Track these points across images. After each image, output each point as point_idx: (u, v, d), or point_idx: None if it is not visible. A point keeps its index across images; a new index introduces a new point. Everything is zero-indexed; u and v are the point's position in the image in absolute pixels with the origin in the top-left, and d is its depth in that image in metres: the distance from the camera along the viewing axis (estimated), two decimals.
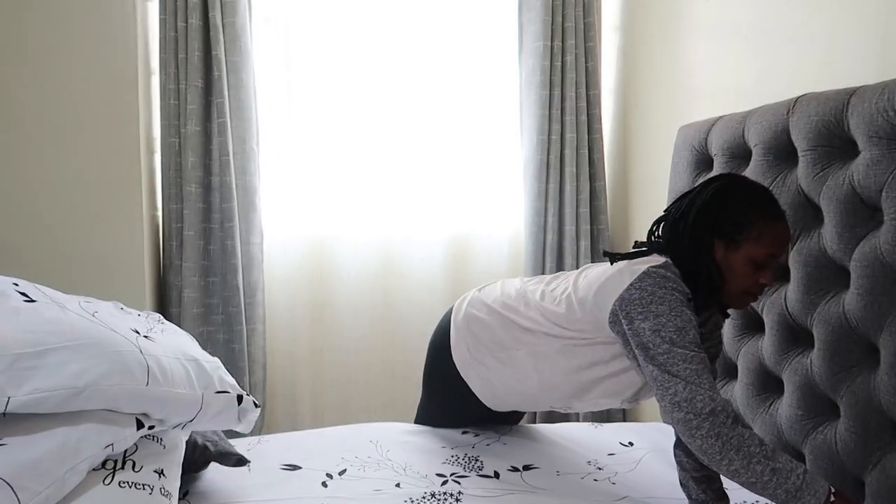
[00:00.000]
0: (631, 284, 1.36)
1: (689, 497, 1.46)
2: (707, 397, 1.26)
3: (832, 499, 1.20)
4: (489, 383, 1.61)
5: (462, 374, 1.63)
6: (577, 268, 2.66)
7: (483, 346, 1.59)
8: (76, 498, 1.03)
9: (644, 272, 1.36)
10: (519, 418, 1.87)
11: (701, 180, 1.84)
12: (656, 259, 1.41)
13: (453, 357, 1.63)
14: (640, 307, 1.34)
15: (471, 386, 1.63)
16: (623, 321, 1.37)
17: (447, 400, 1.75)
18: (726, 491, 1.45)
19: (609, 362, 1.49)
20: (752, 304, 1.50)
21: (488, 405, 1.66)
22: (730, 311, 1.62)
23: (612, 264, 1.46)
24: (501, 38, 2.78)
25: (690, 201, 1.43)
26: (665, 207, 1.62)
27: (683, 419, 1.26)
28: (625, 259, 1.45)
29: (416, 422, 1.88)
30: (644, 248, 1.48)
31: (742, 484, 1.24)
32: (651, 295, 1.33)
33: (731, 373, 1.75)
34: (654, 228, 1.50)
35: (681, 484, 1.48)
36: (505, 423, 1.82)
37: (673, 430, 1.38)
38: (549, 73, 2.59)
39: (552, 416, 2.63)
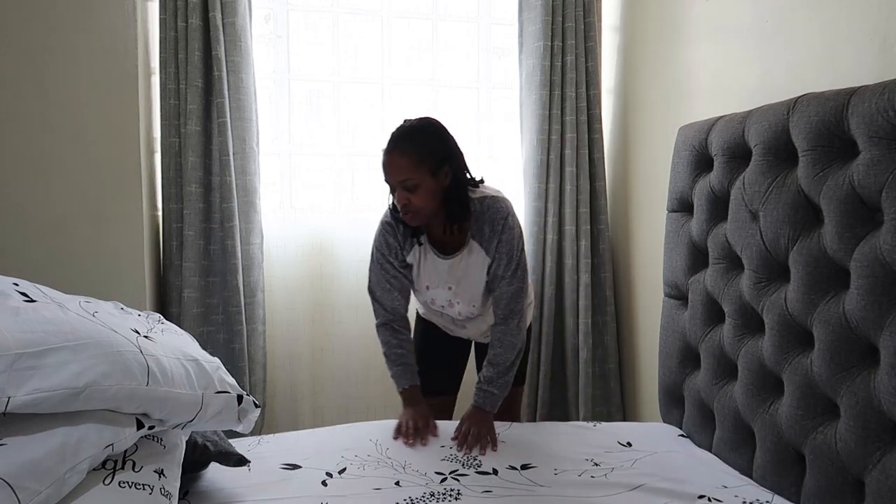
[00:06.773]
0: None
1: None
2: (381, 308, 1.92)
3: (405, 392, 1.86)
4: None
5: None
6: (578, 268, 2.70)
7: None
8: (76, 498, 1.03)
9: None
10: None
11: (701, 181, 1.85)
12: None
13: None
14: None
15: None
16: None
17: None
18: None
19: None
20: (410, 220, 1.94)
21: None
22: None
23: None
24: (501, 37, 2.78)
25: None
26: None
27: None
28: None
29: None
30: None
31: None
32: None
33: (731, 373, 1.75)
34: None
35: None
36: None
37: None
38: (549, 73, 2.59)
39: (552, 416, 2.62)
